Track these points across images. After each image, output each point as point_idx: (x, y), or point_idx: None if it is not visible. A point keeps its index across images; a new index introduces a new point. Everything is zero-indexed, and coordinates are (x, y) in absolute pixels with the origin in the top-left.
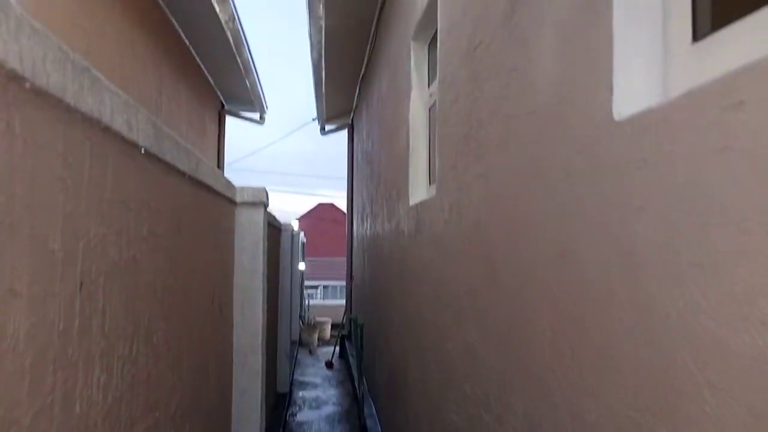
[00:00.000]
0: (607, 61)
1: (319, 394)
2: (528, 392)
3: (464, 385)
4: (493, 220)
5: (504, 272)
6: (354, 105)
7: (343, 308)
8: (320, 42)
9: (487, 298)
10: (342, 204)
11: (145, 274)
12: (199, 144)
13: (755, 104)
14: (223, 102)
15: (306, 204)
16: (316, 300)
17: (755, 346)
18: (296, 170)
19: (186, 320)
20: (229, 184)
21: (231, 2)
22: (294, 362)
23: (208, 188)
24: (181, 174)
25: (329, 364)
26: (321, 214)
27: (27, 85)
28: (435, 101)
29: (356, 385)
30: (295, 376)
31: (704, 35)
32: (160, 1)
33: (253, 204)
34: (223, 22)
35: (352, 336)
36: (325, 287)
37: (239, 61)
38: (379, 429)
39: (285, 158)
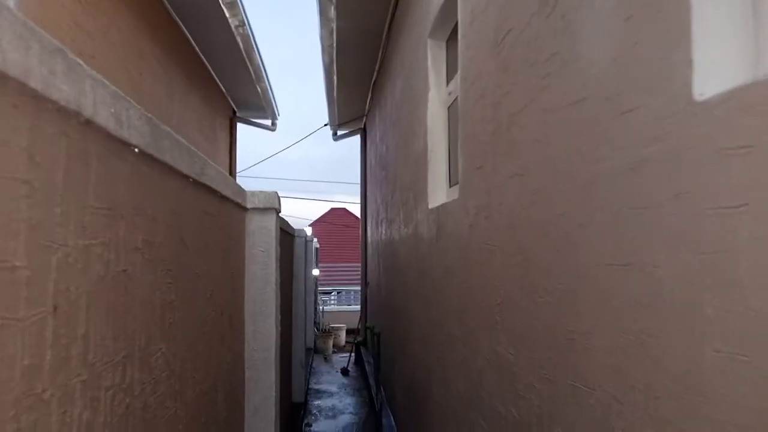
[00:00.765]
0: (684, 32)
1: (335, 403)
2: (580, 428)
3: (494, 401)
4: (532, 223)
5: (545, 281)
6: (367, 109)
7: (358, 314)
8: (332, 45)
9: (526, 310)
10: (355, 209)
11: (139, 289)
12: (211, 152)
13: None
14: (235, 109)
15: (318, 209)
16: (330, 306)
17: None
18: (308, 176)
19: (190, 338)
20: (238, 188)
21: (241, 7)
22: (309, 370)
23: (216, 192)
24: (184, 177)
25: (345, 371)
26: (334, 219)
27: None
28: (455, 99)
29: (374, 395)
30: (310, 384)
31: None
32: (169, 7)
33: (264, 209)
34: (233, 27)
35: (369, 344)
36: (338, 292)
37: (250, 67)
38: None
39: (297, 164)
